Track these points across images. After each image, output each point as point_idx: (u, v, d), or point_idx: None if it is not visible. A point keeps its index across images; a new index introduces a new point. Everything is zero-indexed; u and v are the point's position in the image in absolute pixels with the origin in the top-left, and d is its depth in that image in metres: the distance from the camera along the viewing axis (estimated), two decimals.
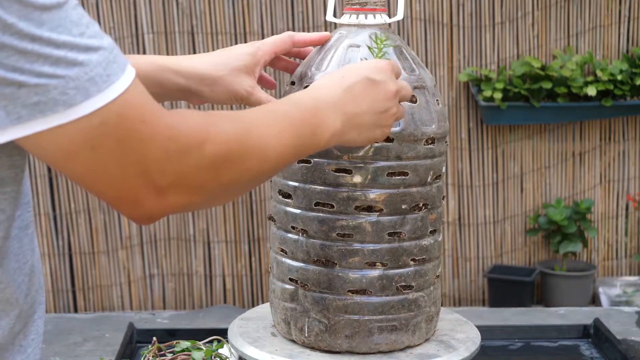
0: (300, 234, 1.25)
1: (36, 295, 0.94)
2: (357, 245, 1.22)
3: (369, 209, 1.22)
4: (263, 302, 3.04)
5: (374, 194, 1.21)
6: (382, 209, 1.22)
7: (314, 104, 1.00)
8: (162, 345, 1.64)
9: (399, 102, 1.11)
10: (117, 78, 0.78)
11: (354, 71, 1.07)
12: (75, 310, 3.95)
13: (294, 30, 3.82)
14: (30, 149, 0.80)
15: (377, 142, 1.15)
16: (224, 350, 1.61)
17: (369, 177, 1.21)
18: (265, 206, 3.93)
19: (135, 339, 1.80)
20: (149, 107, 0.82)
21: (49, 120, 0.76)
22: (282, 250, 1.29)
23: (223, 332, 1.48)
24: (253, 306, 3.15)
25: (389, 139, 1.20)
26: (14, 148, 0.82)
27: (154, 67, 1.20)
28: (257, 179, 0.93)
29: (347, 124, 1.02)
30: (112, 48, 0.79)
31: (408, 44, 1.34)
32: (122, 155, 0.80)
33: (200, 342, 1.65)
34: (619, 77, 3.79)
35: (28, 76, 0.74)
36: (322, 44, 1.27)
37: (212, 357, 1.59)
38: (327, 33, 1.28)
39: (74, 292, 3.93)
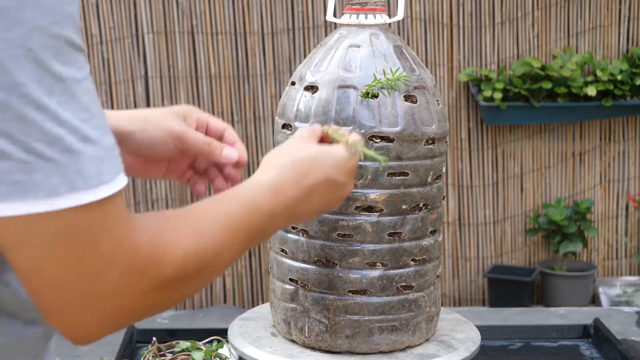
0: (301, 234, 1.25)
1: None
2: (357, 246, 1.22)
3: (370, 209, 1.22)
4: (263, 302, 3.04)
5: (374, 194, 1.21)
6: (383, 209, 1.22)
7: (271, 212, 0.94)
8: (161, 346, 1.64)
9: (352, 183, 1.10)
10: (107, 180, 0.71)
11: (318, 164, 1.02)
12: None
13: (294, 30, 3.82)
14: None
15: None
16: (224, 351, 1.61)
17: (369, 177, 1.21)
18: None
19: (135, 339, 1.80)
20: (124, 222, 0.74)
21: (25, 205, 0.68)
22: (282, 250, 1.29)
23: (223, 332, 1.48)
24: (253, 306, 3.15)
25: (389, 140, 1.20)
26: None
27: None
28: (203, 287, 0.89)
29: (297, 219, 1.03)
30: (111, 147, 0.72)
31: (408, 44, 1.34)
32: (79, 265, 0.72)
33: (200, 343, 1.65)
34: (619, 77, 3.79)
35: (17, 148, 0.67)
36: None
37: (212, 357, 1.59)
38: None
39: None
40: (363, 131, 1.20)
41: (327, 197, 1.03)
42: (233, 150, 1.11)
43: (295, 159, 1.02)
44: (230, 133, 1.13)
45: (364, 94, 1.21)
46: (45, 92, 0.67)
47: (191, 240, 0.81)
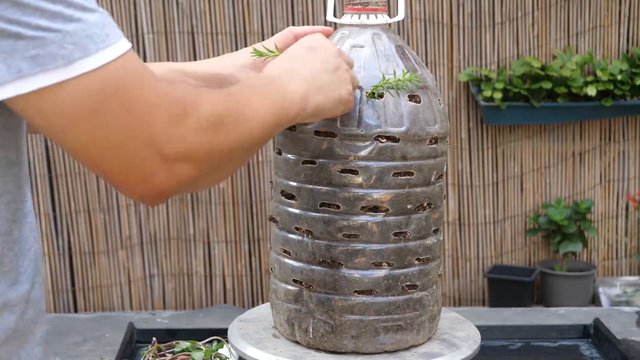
0: (305, 235, 1.25)
1: (40, 288, 0.93)
2: (363, 246, 1.22)
3: (375, 209, 1.22)
4: (263, 302, 3.04)
5: (379, 194, 1.21)
6: (388, 209, 1.22)
7: (272, 76, 1.04)
8: (161, 346, 1.64)
9: (347, 63, 1.16)
10: (115, 40, 0.78)
11: (293, 48, 1.13)
12: (75, 310, 3.95)
13: None
14: (31, 115, 0.78)
15: (346, 106, 1.16)
16: (224, 351, 1.61)
17: (374, 177, 1.21)
18: (265, 206, 3.93)
19: (135, 339, 1.80)
20: (148, 74, 0.82)
21: (49, 76, 0.75)
22: (285, 251, 1.28)
23: (223, 332, 1.48)
24: (253, 306, 3.14)
25: (395, 139, 1.20)
26: (18, 127, 0.82)
27: (163, 69, 1.22)
28: (249, 146, 0.94)
29: (309, 86, 1.06)
30: (108, 14, 0.80)
31: (408, 44, 1.34)
32: (127, 122, 0.79)
33: (200, 343, 1.65)
34: (619, 77, 3.79)
35: (25, 28, 0.74)
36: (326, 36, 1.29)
37: (212, 358, 1.59)
38: (329, 28, 1.30)
39: (74, 292, 3.93)
40: (369, 131, 1.20)
41: (319, 57, 1.11)
42: None
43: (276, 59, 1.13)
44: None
45: (370, 94, 1.21)
46: None
47: (217, 92, 0.90)
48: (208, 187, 1.01)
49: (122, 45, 0.79)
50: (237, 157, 0.93)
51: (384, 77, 1.21)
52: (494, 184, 4.03)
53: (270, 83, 1.01)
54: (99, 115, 0.77)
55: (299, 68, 1.07)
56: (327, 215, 1.22)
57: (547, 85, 3.76)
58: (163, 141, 0.80)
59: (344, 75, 1.13)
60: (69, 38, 0.75)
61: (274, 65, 1.08)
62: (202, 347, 1.63)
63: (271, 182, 1.34)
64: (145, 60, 3.79)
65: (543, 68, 3.84)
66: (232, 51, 3.80)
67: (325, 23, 3.80)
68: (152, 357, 1.60)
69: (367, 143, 1.20)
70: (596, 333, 1.78)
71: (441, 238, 1.32)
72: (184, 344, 1.63)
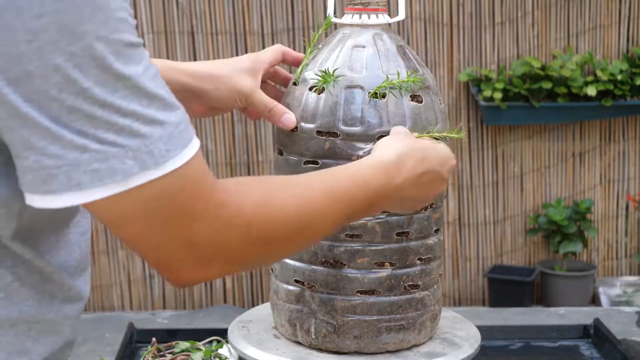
0: None
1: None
2: (366, 246, 1.23)
3: None
4: (263, 302, 3.04)
5: None
6: None
7: (382, 192, 1.03)
8: (161, 346, 1.64)
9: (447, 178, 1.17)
10: (176, 154, 0.79)
11: (432, 159, 1.10)
12: None
13: (294, 30, 3.83)
14: (87, 210, 0.82)
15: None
16: (224, 351, 1.61)
17: None
18: None
19: (135, 339, 1.80)
20: (206, 182, 0.83)
21: (106, 188, 0.76)
22: None
23: (223, 332, 1.48)
24: (253, 306, 3.14)
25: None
26: None
27: (160, 66, 1.21)
28: (303, 249, 0.96)
29: (396, 204, 1.08)
30: (178, 123, 0.79)
31: (408, 44, 1.34)
32: (172, 227, 0.81)
33: (200, 343, 1.64)
34: (619, 77, 3.79)
35: (92, 141, 0.74)
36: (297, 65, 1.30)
37: (212, 358, 1.59)
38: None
39: None
40: (371, 131, 1.20)
41: (430, 188, 1.10)
42: (292, 117, 1.23)
43: (413, 146, 1.10)
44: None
45: (372, 94, 1.21)
46: (109, 91, 0.75)
47: (286, 204, 0.90)
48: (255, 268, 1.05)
49: (186, 154, 0.80)
50: (284, 257, 0.97)
51: (387, 77, 1.21)
52: (494, 184, 4.03)
53: (366, 199, 1.01)
54: (148, 220, 0.80)
55: (407, 192, 1.06)
56: None
57: (547, 85, 3.76)
58: (200, 247, 0.83)
59: (430, 198, 1.14)
60: (130, 153, 0.76)
61: (396, 178, 1.05)
62: (201, 347, 1.63)
63: None
64: None
65: (543, 68, 3.84)
66: (232, 51, 3.81)
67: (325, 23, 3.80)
68: (152, 357, 1.60)
69: (369, 143, 1.20)
70: (596, 333, 1.78)
71: (442, 238, 1.33)
72: (184, 345, 1.63)
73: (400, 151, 1.08)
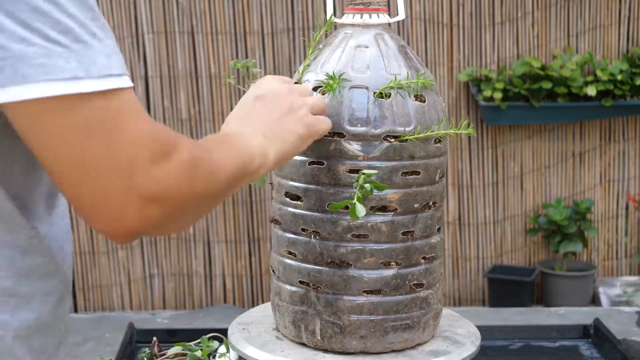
0: (313, 237, 1.25)
1: (69, 279, 0.97)
2: (372, 246, 1.23)
3: (384, 208, 1.23)
4: (263, 302, 3.04)
5: (388, 194, 1.22)
6: (397, 209, 1.23)
7: (231, 134, 1.05)
8: (156, 352, 1.63)
9: (301, 95, 1.15)
10: (120, 73, 0.80)
11: (243, 101, 1.13)
12: (75, 310, 3.95)
13: (294, 30, 3.82)
14: (24, 124, 0.78)
15: (310, 136, 1.15)
16: (223, 350, 1.61)
17: (383, 176, 1.21)
18: (265, 206, 3.93)
19: (135, 339, 1.80)
20: (143, 112, 0.83)
21: (54, 86, 0.76)
22: (290, 253, 1.28)
23: (223, 332, 1.48)
24: (253, 306, 3.14)
25: (403, 140, 1.21)
26: None
27: None
28: (215, 196, 0.94)
29: (265, 139, 1.06)
30: (114, 48, 0.81)
31: (408, 44, 1.35)
32: (113, 151, 0.79)
33: (191, 343, 1.63)
34: (619, 77, 3.79)
35: (37, 36, 0.75)
36: None
37: (210, 357, 1.59)
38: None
39: (74, 292, 3.93)
40: (378, 131, 1.20)
41: (269, 105, 1.10)
42: None
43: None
44: None
45: (377, 94, 1.21)
46: None
47: (193, 141, 0.90)
48: (171, 233, 1.01)
49: (126, 80, 0.81)
50: (204, 206, 0.93)
51: (395, 77, 1.21)
52: (494, 184, 4.03)
53: (231, 140, 1.02)
54: (88, 139, 0.78)
55: (253, 122, 1.08)
56: (335, 215, 1.22)
57: (547, 85, 3.76)
58: (141, 179, 0.80)
59: (298, 113, 1.12)
60: (75, 56, 0.76)
61: (230, 123, 1.09)
62: (192, 346, 1.62)
63: (270, 183, 1.33)
64: (145, 61, 3.79)
65: (543, 68, 3.84)
66: (232, 51, 3.81)
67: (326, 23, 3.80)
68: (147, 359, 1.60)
69: (376, 143, 1.20)
70: (596, 333, 1.78)
71: (442, 237, 1.33)
72: (177, 349, 1.61)
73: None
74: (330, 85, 1.21)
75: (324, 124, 1.16)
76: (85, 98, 0.77)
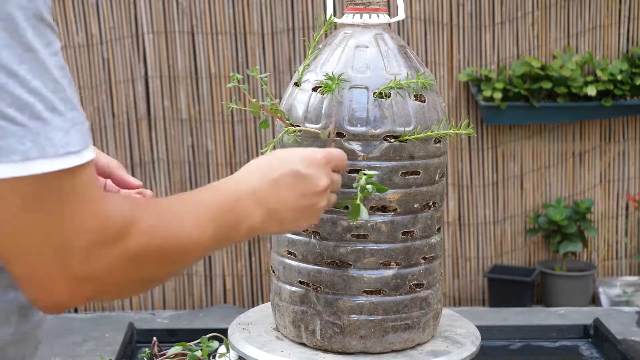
0: (312, 237, 1.25)
1: None
2: (372, 246, 1.23)
3: (384, 209, 1.23)
4: (263, 302, 3.04)
5: (388, 194, 1.21)
6: (396, 209, 1.23)
7: (235, 194, 0.95)
8: (156, 352, 1.62)
9: (332, 190, 1.08)
10: (76, 151, 0.75)
11: (284, 161, 1.02)
12: (75, 310, 3.95)
13: (294, 30, 3.82)
14: None
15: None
16: (222, 349, 1.61)
17: (383, 176, 1.21)
18: None
19: (135, 339, 1.80)
20: (96, 193, 0.79)
21: (1, 169, 0.72)
22: (290, 253, 1.28)
23: (223, 332, 1.48)
24: (253, 306, 3.14)
25: (403, 140, 1.21)
26: None
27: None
28: (178, 269, 0.89)
29: (268, 219, 0.98)
30: (78, 122, 0.76)
31: (408, 44, 1.35)
32: (51, 230, 0.75)
33: (191, 343, 1.63)
34: (619, 77, 3.79)
35: None
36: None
37: (210, 358, 1.59)
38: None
39: None
40: (377, 131, 1.20)
41: (299, 191, 1.01)
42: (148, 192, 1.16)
43: (261, 159, 1.04)
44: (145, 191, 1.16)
45: (378, 94, 1.21)
46: (16, 59, 0.72)
47: (154, 217, 0.84)
48: (117, 299, 0.94)
49: (85, 156, 0.76)
50: (160, 281, 0.89)
51: (395, 77, 1.21)
52: (494, 184, 4.03)
53: (223, 205, 0.93)
54: (27, 214, 0.74)
55: (268, 197, 0.98)
56: (335, 216, 1.22)
57: (547, 85, 3.76)
58: (77, 262, 0.77)
59: (314, 214, 1.05)
60: (30, 135, 0.72)
61: (246, 179, 0.98)
62: (192, 346, 1.62)
63: None
64: (145, 61, 3.79)
65: (543, 68, 3.84)
66: (232, 51, 3.81)
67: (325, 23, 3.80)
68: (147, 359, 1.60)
69: (375, 143, 1.20)
70: (596, 333, 1.78)
71: (442, 236, 1.33)
72: (176, 349, 1.61)
73: (248, 164, 1.03)
74: (329, 86, 1.21)
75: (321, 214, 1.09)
76: (36, 178, 0.73)
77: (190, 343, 1.64)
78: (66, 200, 0.76)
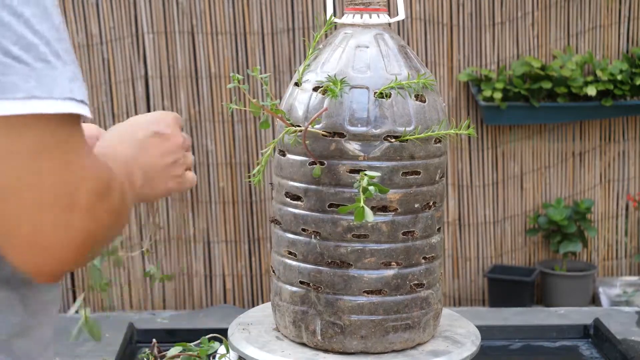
0: (313, 237, 1.25)
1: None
2: (372, 246, 1.23)
3: (384, 208, 1.23)
4: (263, 302, 3.04)
5: (389, 194, 1.22)
6: (397, 209, 1.23)
7: (123, 159, 0.96)
8: (156, 353, 1.62)
9: (187, 149, 1.10)
10: (81, 99, 0.74)
11: (143, 125, 1.04)
12: (76, 311, 3.95)
13: (294, 30, 3.82)
14: None
15: (172, 192, 1.12)
16: (222, 350, 1.61)
17: (384, 176, 1.21)
18: (265, 206, 3.93)
19: (135, 339, 1.80)
20: (88, 145, 0.78)
21: (5, 105, 0.69)
22: (291, 253, 1.28)
23: (223, 332, 1.48)
24: (253, 306, 3.14)
25: (404, 140, 1.21)
26: None
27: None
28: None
29: (143, 178, 0.99)
30: (78, 74, 0.75)
31: (408, 44, 1.36)
32: (58, 181, 0.73)
33: (192, 344, 1.63)
34: (619, 77, 3.79)
35: None
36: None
37: (209, 358, 1.59)
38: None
39: (74, 292, 3.93)
40: (378, 131, 1.20)
41: (162, 148, 1.04)
42: None
43: (117, 127, 1.05)
44: None
45: (378, 94, 1.21)
46: (22, 1, 0.70)
47: (114, 171, 0.83)
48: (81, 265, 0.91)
49: (85, 109, 0.74)
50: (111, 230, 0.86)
51: (396, 78, 1.22)
52: (494, 184, 4.03)
53: (120, 169, 0.92)
54: (37, 165, 0.71)
55: (140, 157, 1.00)
56: (335, 216, 1.22)
57: (547, 85, 3.76)
58: (78, 215, 0.74)
59: (178, 170, 1.07)
60: (35, 74, 0.70)
61: (120, 147, 0.99)
62: (192, 347, 1.61)
63: (271, 183, 1.33)
64: (145, 61, 3.79)
65: (543, 68, 3.84)
66: (232, 51, 3.81)
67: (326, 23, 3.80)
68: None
69: (376, 143, 1.20)
70: (596, 333, 1.78)
71: (442, 236, 1.34)
72: (176, 349, 1.61)
73: (108, 132, 1.03)
74: (333, 92, 1.21)
75: (190, 184, 1.11)
76: (40, 118, 0.70)
77: (191, 344, 1.64)
78: (69, 149, 0.73)
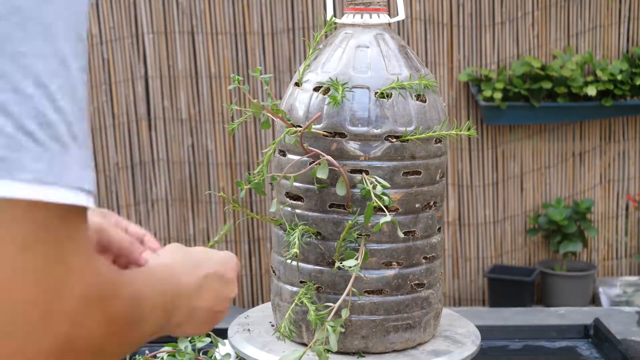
0: (314, 237, 1.25)
1: None
2: (373, 246, 1.23)
3: (385, 208, 1.22)
4: (263, 302, 3.04)
5: (390, 194, 1.21)
6: (398, 209, 1.23)
7: (176, 291, 0.87)
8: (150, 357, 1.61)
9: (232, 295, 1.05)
10: (87, 189, 0.63)
11: (210, 264, 0.98)
12: None
13: (294, 30, 3.82)
14: None
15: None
16: (222, 349, 1.61)
17: (385, 176, 1.21)
18: (265, 206, 3.93)
19: None
20: (91, 244, 0.69)
21: (7, 186, 0.60)
22: None
23: (223, 332, 1.48)
24: (253, 306, 3.14)
25: (404, 140, 1.21)
26: None
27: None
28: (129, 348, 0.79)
29: (187, 317, 0.91)
30: (90, 164, 0.66)
31: (408, 44, 1.36)
32: (46, 276, 0.62)
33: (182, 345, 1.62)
34: (619, 77, 3.79)
35: (8, 121, 0.60)
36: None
37: (200, 354, 1.58)
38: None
39: None
40: (379, 131, 1.20)
41: (218, 294, 0.97)
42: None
43: (187, 250, 0.97)
44: (150, 239, 1.05)
45: (379, 94, 1.21)
46: (49, 72, 0.62)
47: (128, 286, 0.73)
48: None
49: (91, 200, 0.65)
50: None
51: (398, 78, 1.22)
52: (494, 184, 4.03)
53: (164, 299, 0.83)
54: (26, 255, 0.61)
55: (195, 296, 0.92)
56: (337, 216, 1.22)
57: (547, 85, 3.76)
58: (62, 318, 0.64)
59: (216, 320, 1.01)
60: (46, 156, 0.61)
61: (181, 277, 0.90)
62: (182, 349, 1.61)
63: (271, 183, 1.33)
64: (145, 61, 3.79)
65: (543, 68, 3.84)
66: (232, 51, 3.81)
67: (326, 23, 3.80)
68: None
69: (377, 143, 1.20)
70: (596, 333, 1.78)
71: (443, 236, 1.34)
72: (167, 349, 1.60)
73: (175, 253, 0.95)
74: (334, 98, 1.20)
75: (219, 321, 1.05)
76: (41, 206, 0.61)
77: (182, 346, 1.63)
78: (68, 244, 0.64)
